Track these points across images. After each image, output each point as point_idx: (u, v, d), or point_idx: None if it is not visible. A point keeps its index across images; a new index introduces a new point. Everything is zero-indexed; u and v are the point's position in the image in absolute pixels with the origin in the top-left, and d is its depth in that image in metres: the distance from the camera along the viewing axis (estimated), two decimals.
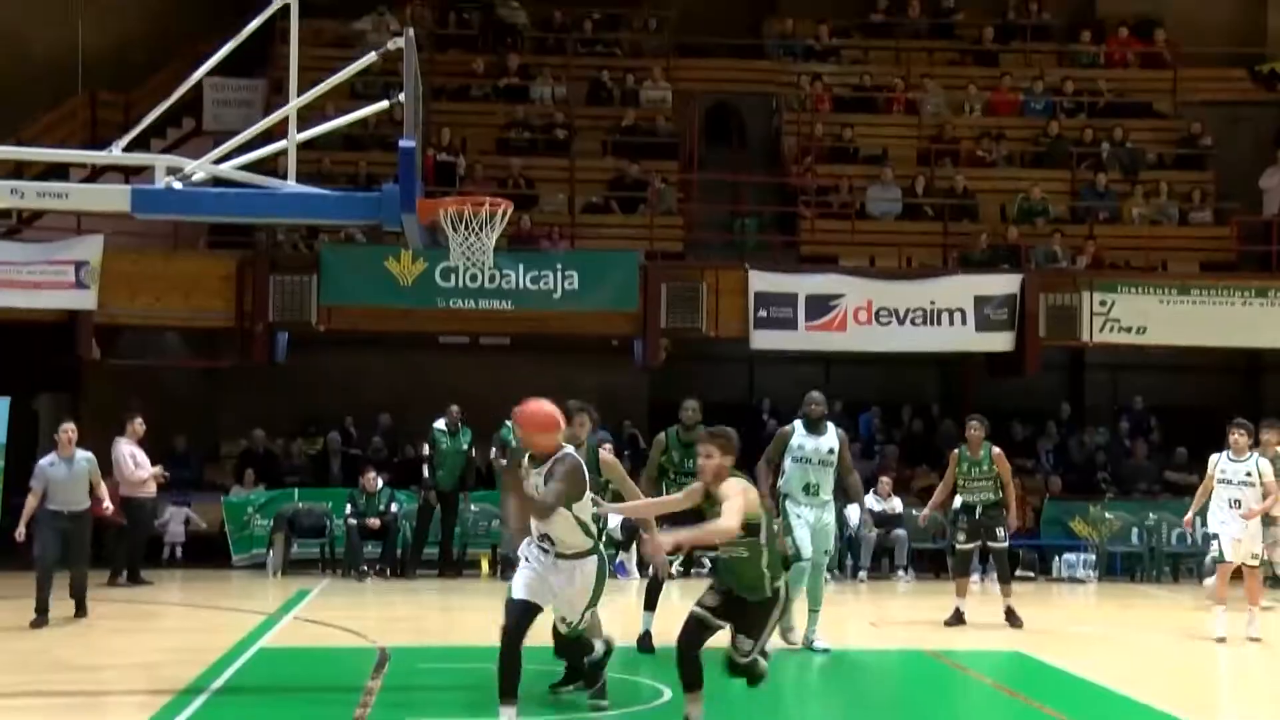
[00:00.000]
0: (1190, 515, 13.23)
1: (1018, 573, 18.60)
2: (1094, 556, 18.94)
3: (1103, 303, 20.21)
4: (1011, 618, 12.79)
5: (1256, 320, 20.21)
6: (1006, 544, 13.26)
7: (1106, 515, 19.24)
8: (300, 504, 18.51)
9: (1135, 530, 19.26)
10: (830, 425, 11.36)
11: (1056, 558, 18.95)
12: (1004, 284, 20.20)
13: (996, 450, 13.13)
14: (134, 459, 16.64)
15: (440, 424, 17.94)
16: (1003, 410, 21.95)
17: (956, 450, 13.32)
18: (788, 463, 11.24)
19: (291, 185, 9.84)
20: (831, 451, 11.20)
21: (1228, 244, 22.30)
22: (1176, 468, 20.81)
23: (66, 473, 12.88)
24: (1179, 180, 23.28)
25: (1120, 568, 19.28)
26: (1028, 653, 11.31)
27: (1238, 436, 12.63)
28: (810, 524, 11.01)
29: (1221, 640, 11.98)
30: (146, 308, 19.15)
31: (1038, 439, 21.58)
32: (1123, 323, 20.23)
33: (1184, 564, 19.17)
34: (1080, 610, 16.21)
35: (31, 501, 12.82)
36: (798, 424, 11.36)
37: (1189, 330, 20.17)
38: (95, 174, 19.49)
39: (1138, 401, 22.13)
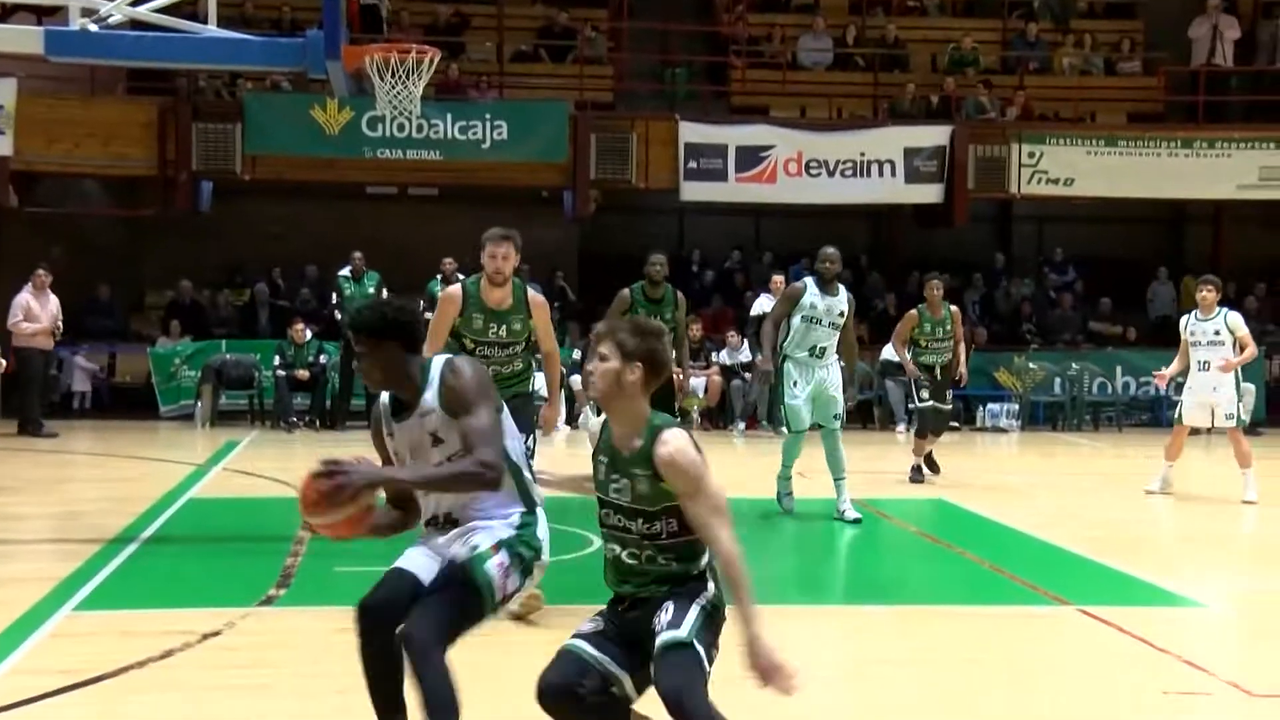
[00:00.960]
0: (1165, 371, 12.43)
1: None
2: (1017, 406, 19.29)
3: (1031, 154, 20.29)
4: (932, 465, 12.93)
5: (1182, 171, 20.41)
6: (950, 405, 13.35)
7: (1030, 366, 19.56)
8: (228, 355, 18.39)
9: (1058, 380, 19.62)
10: (841, 287, 10.46)
11: (980, 408, 19.29)
12: (933, 135, 20.21)
13: (955, 309, 12.78)
14: (26, 310, 16.39)
15: (344, 271, 17.84)
16: (931, 262, 22.13)
17: (915, 310, 12.74)
18: (795, 321, 10.33)
19: (212, 29, 9.58)
20: (842, 314, 10.30)
21: (1155, 94, 22.37)
22: (1100, 318, 21.14)
23: None
24: (1108, 30, 23.25)
25: (1043, 417, 19.67)
26: (951, 500, 11.57)
27: (1206, 293, 11.88)
28: (808, 389, 10.21)
29: (1150, 493, 12.09)
30: (65, 154, 18.70)
31: (964, 291, 21.78)
32: (1050, 174, 20.36)
33: (1104, 413, 19.58)
34: (1003, 459, 16.56)
35: None
36: (809, 281, 10.48)
37: (1116, 182, 20.35)
38: (6, 13, 18.80)
39: (1058, 253, 22.35)
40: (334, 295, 18.05)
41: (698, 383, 18.72)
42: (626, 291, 10.34)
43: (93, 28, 9.35)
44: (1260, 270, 22.36)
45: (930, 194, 20.27)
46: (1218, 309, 11.95)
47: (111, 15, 9.45)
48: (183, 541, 9.36)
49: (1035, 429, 19.19)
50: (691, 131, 19.84)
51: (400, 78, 9.95)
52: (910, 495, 12.14)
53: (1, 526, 9.93)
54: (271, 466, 13.25)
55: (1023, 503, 11.85)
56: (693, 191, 19.97)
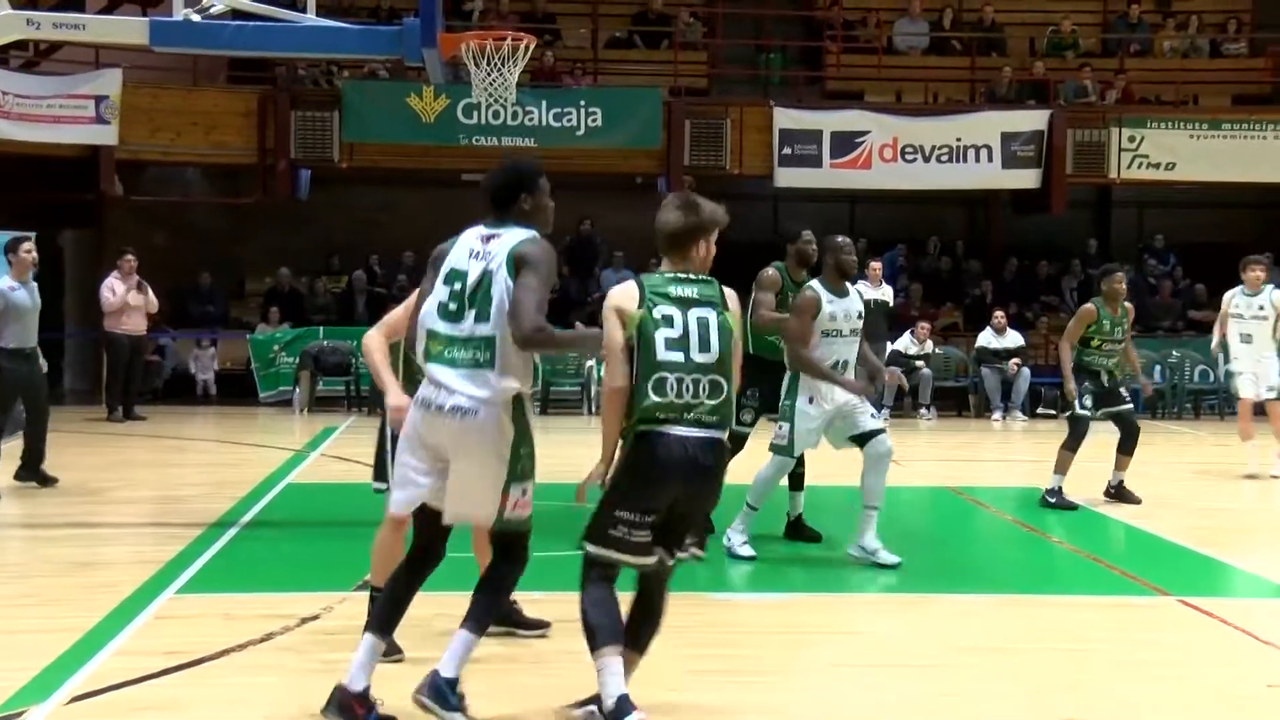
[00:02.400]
0: (1215, 344, 13.08)
1: (1039, 410, 18.75)
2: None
3: (1131, 139, 19.95)
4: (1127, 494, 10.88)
5: None
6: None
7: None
8: (325, 342, 18.65)
9: (1158, 367, 19.27)
10: (848, 283, 8.44)
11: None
12: (1031, 120, 19.94)
13: (1130, 306, 11.01)
14: (112, 291, 16.24)
15: None
16: (1028, 248, 21.83)
17: (1091, 305, 10.74)
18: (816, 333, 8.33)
19: (311, 18, 9.71)
20: (860, 315, 8.31)
21: (1262, 76, 21.87)
22: (1199, 305, 20.74)
23: (28, 300, 10.68)
24: (1213, 10, 22.75)
25: (1142, 405, 19.30)
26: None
27: (1256, 271, 12.36)
28: (829, 409, 8.08)
29: (1251, 476, 12.05)
30: (167, 143, 19.10)
31: (1063, 277, 21.49)
32: (1151, 159, 20.01)
33: (1205, 400, 19.21)
34: (1100, 447, 16.27)
35: None
36: (816, 285, 8.39)
37: (1218, 166, 19.95)
38: (112, 6, 19.25)
39: (1158, 239, 21.95)
40: None
41: None
42: (774, 270, 8.93)
43: (195, 18, 9.52)
44: None
45: (1028, 179, 20.00)
46: (1263, 286, 12.33)
47: (213, 6, 9.62)
48: (282, 526, 9.53)
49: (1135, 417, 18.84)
50: (786, 117, 19.75)
51: (495, 65, 10.01)
52: (1004, 483, 12.00)
53: (105, 510, 10.18)
54: (367, 453, 13.36)
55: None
56: (787, 178, 19.89)
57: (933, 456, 14.21)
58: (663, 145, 19.50)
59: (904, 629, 6.79)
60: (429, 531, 5.05)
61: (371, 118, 19.05)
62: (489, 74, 9.94)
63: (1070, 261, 21.66)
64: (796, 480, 8.71)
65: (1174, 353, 19.29)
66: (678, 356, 4.89)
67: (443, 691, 4.84)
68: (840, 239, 8.39)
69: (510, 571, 5.06)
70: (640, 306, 4.93)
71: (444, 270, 4.96)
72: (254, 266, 21.12)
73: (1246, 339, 12.32)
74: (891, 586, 7.73)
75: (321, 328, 19.08)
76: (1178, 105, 21.14)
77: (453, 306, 4.89)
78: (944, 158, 19.90)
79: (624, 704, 4.72)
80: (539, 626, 6.32)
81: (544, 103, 19.14)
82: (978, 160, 19.92)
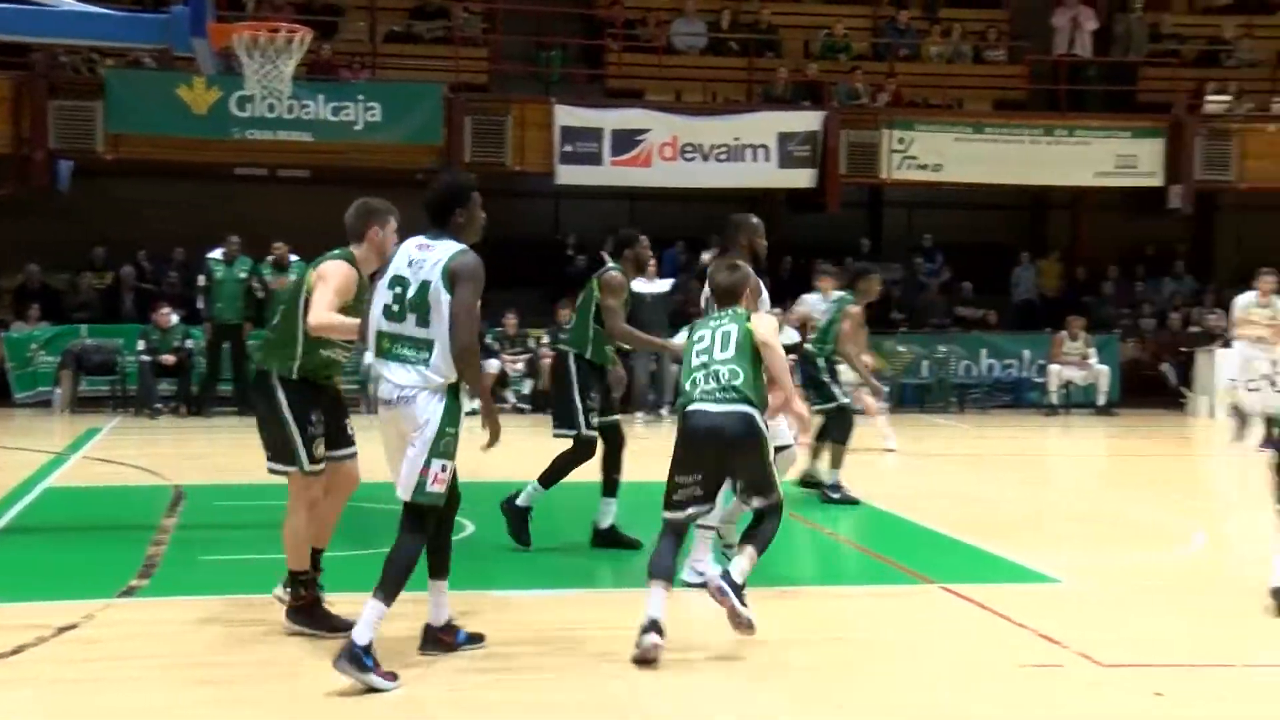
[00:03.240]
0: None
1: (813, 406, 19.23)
2: (887, 388, 19.55)
3: (901, 140, 20.61)
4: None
5: (1044, 158, 20.89)
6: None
7: (899, 349, 19.90)
8: (89, 340, 17.95)
9: (925, 363, 19.99)
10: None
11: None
12: (807, 121, 20.42)
13: None
14: None
15: (216, 253, 17.54)
16: (804, 246, 22.36)
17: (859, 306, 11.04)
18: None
19: (70, 3, 9.33)
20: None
21: (1020, 83, 22.85)
22: (965, 302, 21.56)
23: None
24: (975, 19, 23.69)
25: (911, 399, 20.01)
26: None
27: (1266, 280, 13.74)
28: None
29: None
30: None
31: None
32: (920, 160, 20.70)
33: (970, 395, 19.99)
34: (871, 440, 16.79)
35: None
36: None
37: (981, 168, 20.76)
38: None
39: (927, 238, 22.74)
40: (201, 278, 17.73)
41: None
42: (621, 275, 8.48)
43: None
44: (1114, 255, 23.00)
45: (803, 179, 20.48)
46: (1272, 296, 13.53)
47: None
48: (39, 532, 9.12)
49: (904, 410, 19.50)
50: (567, 115, 19.80)
51: (270, 57, 9.77)
52: (785, 477, 12.24)
53: None
54: (135, 454, 12.99)
55: (889, 483, 12.06)
56: (568, 175, 19.94)
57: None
58: (444, 141, 19.33)
59: (677, 624, 6.88)
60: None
61: (138, 108, 18.39)
62: (263, 66, 9.69)
63: (845, 260, 22.19)
64: (611, 486, 8.47)
65: (940, 348, 20.04)
66: None
67: (358, 657, 5.41)
68: (642, 236, 8.67)
69: (416, 543, 5.67)
70: None
71: (387, 276, 5.74)
72: (9, 261, 20.15)
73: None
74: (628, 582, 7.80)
75: (84, 326, 18.33)
76: (944, 109, 21.93)
77: (395, 309, 5.66)
78: (722, 157, 20.23)
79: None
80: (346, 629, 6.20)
81: (321, 96, 18.78)
82: (755, 159, 20.32)
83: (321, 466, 6.31)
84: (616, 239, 8.74)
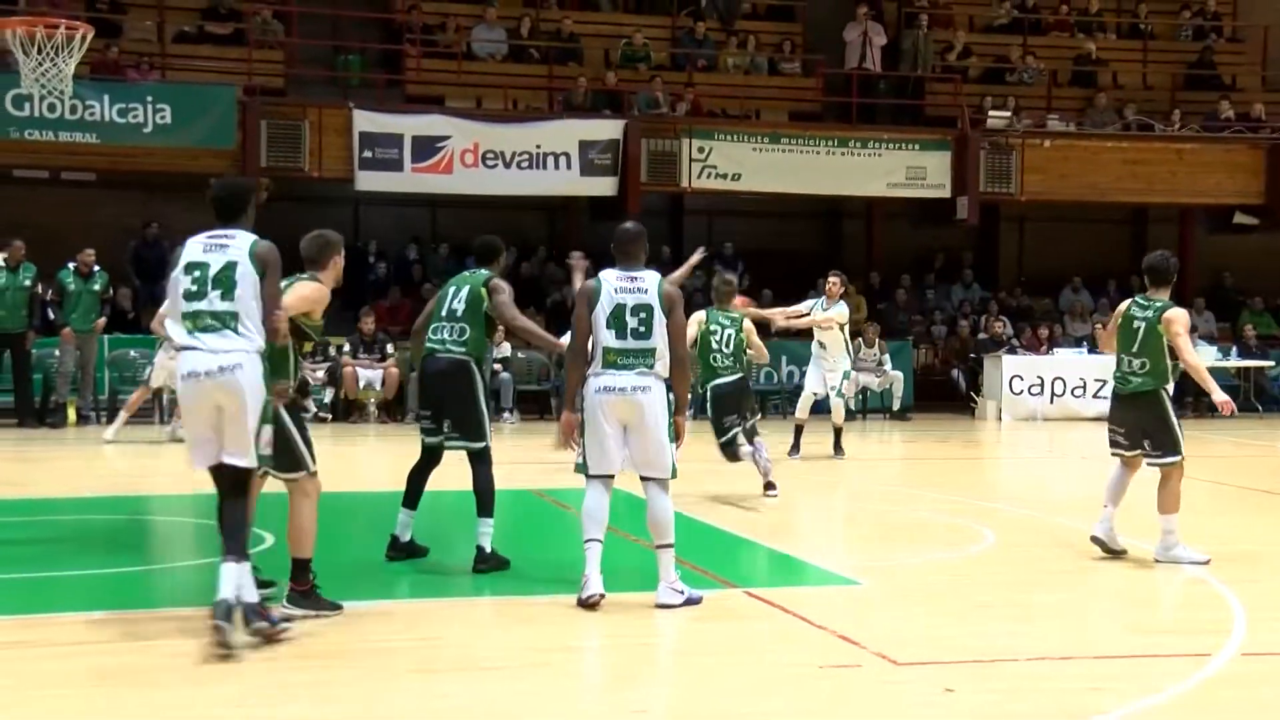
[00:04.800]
0: None
1: None
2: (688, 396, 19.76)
3: (701, 150, 20.90)
4: None
5: (838, 168, 21.43)
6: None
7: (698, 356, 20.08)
8: None
9: None
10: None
11: None
12: (607, 129, 20.56)
13: None
14: None
15: (72, 265, 16.91)
16: (605, 254, 22.45)
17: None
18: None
19: None
20: None
21: (814, 95, 23.39)
22: (763, 309, 21.89)
23: None
24: (770, 31, 24.17)
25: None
26: (620, 488, 11.74)
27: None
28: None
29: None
30: None
31: None
32: (719, 169, 21.03)
33: (770, 400, 20.35)
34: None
35: None
36: None
37: (779, 178, 21.19)
38: None
39: (727, 248, 23.09)
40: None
41: (374, 375, 18.49)
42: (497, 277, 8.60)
43: None
44: (906, 264, 23.72)
45: (605, 186, 20.61)
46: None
47: None
48: None
49: (703, 417, 19.70)
50: (366, 120, 19.56)
51: (49, 54, 9.41)
52: (577, 484, 12.29)
53: None
54: None
55: (692, 488, 12.16)
56: (368, 181, 19.70)
57: (516, 459, 14.40)
58: (237, 145, 18.90)
59: (478, 633, 6.85)
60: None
61: None
62: (40, 64, 9.34)
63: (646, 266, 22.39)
64: (414, 497, 8.31)
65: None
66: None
67: (230, 611, 5.99)
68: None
69: (245, 503, 6.24)
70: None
71: (182, 264, 6.29)
72: None
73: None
74: (469, 591, 7.76)
75: None
76: (742, 119, 22.31)
77: (194, 289, 6.23)
78: (524, 164, 20.22)
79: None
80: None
81: (106, 97, 18.16)
82: (557, 167, 20.36)
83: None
84: (484, 248, 8.67)
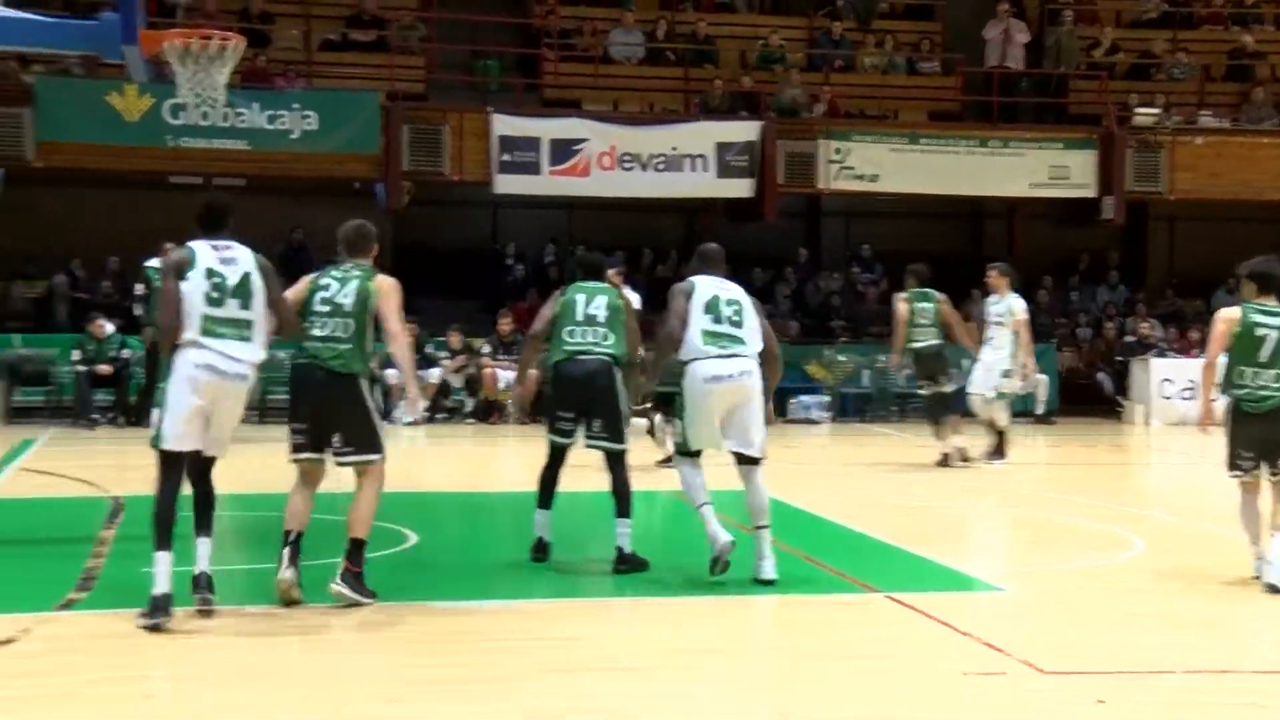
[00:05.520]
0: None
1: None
2: (828, 398, 19.67)
3: (838, 151, 20.75)
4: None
5: (978, 169, 21.10)
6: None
7: (839, 358, 20.00)
8: (23, 350, 17.69)
9: (866, 372, 20.09)
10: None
11: (792, 400, 19.57)
12: (744, 130, 20.50)
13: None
14: None
15: (155, 262, 17.30)
16: (743, 256, 22.41)
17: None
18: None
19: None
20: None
21: (954, 94, 23.07)
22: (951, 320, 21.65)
23: None
24: (908, 30, 23.90)
25: (852, 409, 20.11)
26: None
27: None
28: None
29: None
30: None
31: (775, 284, 22.16)
32: (856, 170, 20.85)
33: (910, 404, 20.09)
34: (814, 450, 16.89)
35: None
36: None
37: (917, 178, 20.93)
38: None
39: (865, 249, 22.89)
40: (140, 286, 17.44)
41: (512, 376, 18.65)
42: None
43: None
44: (1049, 265, 23.25)
45: (741, 188, 20.56)
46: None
47: None
48: None
49: (845, 420, 19.61)
50: (504, 124, 19.77)
51: (203, 64, 9.69)
52: (729, 486, 12.28)
53: None
54: (72, 465, 12.80)
55: (834, 492, 12.10)
56: (506, 184, 19.91)
57: (651, 461, 14.43)
58: (380, 150, 19.24)
59: (621, 633, 6.87)
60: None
61: (68, 116, 18.16)
62: (195, 73, 9.61)
63: (783, 269, 22.36)
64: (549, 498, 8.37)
65: (881, 357, 20.09)
66: None
67: (211, 584, 6.65)
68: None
69: (210, 485, 6.90)
70: None
71: (201, 270, 6.71)
72: None
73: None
74: (610, 591, 7.81)
75: (18, 335, 18.05)
76: (879, 120, 22.09)
77: (215, 295, 6.68)
78: (661, 166, 20.27)
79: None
80: None
81: (256, 104, 18.63)
82: (693, 169, 20.37)
83: None
84: (596, 266, 8.67)
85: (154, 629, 6.35)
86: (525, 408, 16.70)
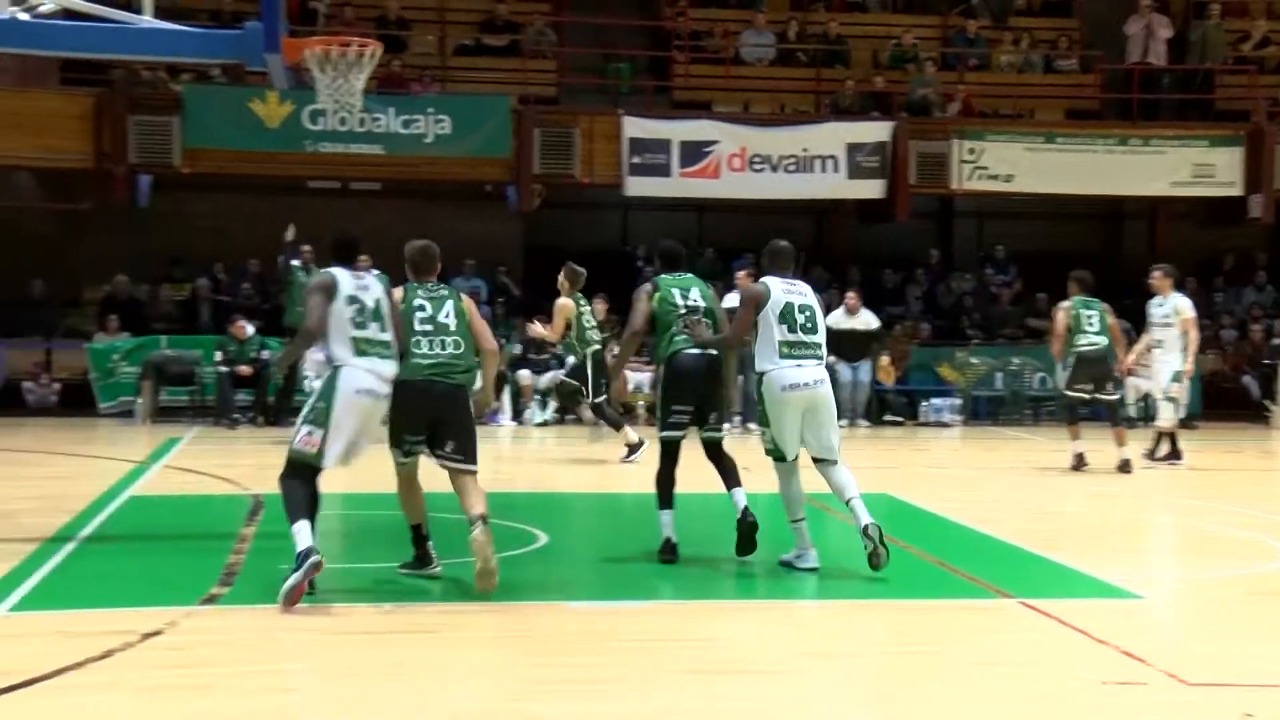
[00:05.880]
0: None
1: (886, 417, 19.07)
2: (959, 401, 19.41)
3: (971, 151, 20.46)
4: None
5: (1118, 168, 20.65)
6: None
7: (972, 360, 19.72)
8: (168, 351, 18.23)
9: (999, 375, 19.80)
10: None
11: (923, 402, 19.36)
12: (875, 131, 20.33)
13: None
14: None
15: (296, 262, 17.68)
16: (874, 257, 22.26)
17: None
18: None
19: (148, 20, 9.46)
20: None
21: (1092, 92, 22.61)
22: (1038, 314, 21.33)
23: None
24: (1046, 28, 23.48)
25: (984, 411, 19.83)
26: (895, 495, 11.64)
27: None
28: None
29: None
30: None
31: (907, 286, 21.94)
32: (990, 170, 20.54)
33: (1044, 407, 19.77)
34: (945, 453, 16.68)
35: None
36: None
37: (1054, 178, 20.55)
38: None
39: (999, 250, 22.53)
40: (286, 285, 17.82)
41: (643, 378, 18.73)
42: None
43: (24, 17, 9.21)
44: (1192, 266, 22.63)
45: (873, 189, 20.39)
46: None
47: (43, 4, 9.32)
48: (123, 540, 9.24)
49: (977, 423, 19.34)
50: (635, 126, 19.85)
51: (341, 71, 9.87)
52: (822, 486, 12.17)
53: None
54: (214, 464, 13.14)
55: (965, 496, 11.94)
56: (637, 186, 19.98)
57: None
58: (512, 153, 19.45)
59: (753, 635, 6.86)
60: None
61: (214, 122, 18.65)
62: (334, 80, 9.79)
63: (915, 270, 22.12)
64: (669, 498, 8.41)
65: (1014, 360, 19.84)
66: None
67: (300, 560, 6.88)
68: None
69: (281, 483, 7.17)
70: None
71: (343, 297, 7.22)
72: (90, 274, 20.48)
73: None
74: (740, 593, 7.80)
75: (164, 336, 18.60)
76: (1014, 119, 21.74)
77: (359, 319, 7.23)
78: (791, 167, 20.18)
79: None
80: None
81: (392, 109, 18.95)
82: (824, 170, 20.24)
83: None
84: (676, 255, 8.72)
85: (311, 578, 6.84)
86: (618, 407, 16.68)
